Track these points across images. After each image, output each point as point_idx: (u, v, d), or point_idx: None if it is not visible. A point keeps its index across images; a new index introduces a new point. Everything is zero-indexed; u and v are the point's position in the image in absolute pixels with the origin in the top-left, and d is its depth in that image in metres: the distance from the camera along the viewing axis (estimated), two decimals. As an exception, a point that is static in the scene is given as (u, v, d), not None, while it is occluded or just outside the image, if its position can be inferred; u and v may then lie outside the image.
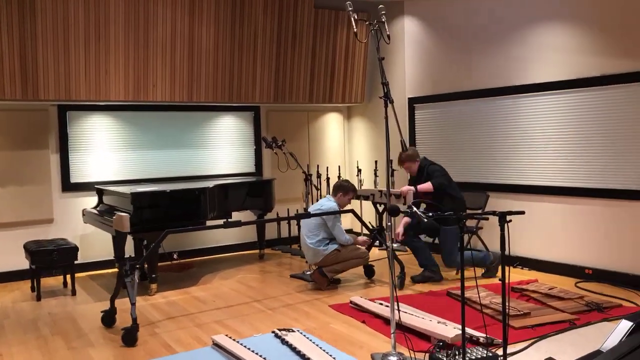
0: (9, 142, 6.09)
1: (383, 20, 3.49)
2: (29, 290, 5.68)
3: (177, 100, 6.55)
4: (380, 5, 3.56)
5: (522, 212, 2.78)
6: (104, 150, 6.65)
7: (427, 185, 5.39)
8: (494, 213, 2.73)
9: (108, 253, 6.50)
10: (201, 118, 7.26)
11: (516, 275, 5.71)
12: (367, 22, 3.59)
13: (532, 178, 5.92)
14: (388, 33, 3.48)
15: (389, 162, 3.51)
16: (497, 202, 6.12)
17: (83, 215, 6.26)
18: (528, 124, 5.92)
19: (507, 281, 2.83)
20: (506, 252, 2.79)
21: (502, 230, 2.62)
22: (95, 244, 6.53)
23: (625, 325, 3.17)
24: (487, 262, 5.57)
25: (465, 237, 6.16)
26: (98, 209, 6.11)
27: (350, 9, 3.50)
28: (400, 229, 5.53)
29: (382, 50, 3.49)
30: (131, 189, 5.64)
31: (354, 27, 3.44)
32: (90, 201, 6.43)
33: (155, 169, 6.97)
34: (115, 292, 4.44)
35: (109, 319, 4.47)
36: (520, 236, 5.96)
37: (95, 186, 6.36)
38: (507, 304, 2.75)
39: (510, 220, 2.67)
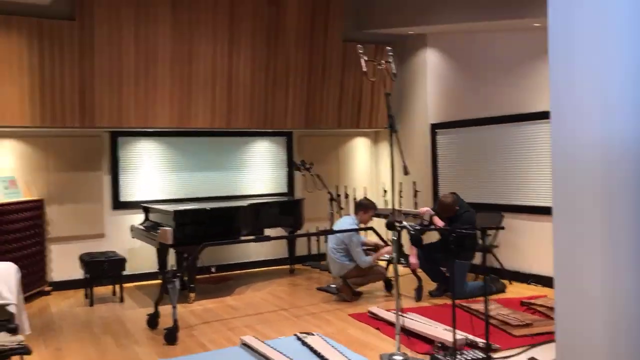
0: (67, 165, 6.83)
1: (390, 61, 4.00)
2: (83, 298, 6.34)
3: (217, 127, 7.20)
4: (388, 47, 4.07)
5: (502, 228, 3.21)
6: (150, 171, 7.35)
7: (441, 223, 5.74)
8: (475, 228, 3.16)
9: (153, 266, 7.15)
10: (238, 143, 7.90)
11: (528, 291, 6.05)
12: (375, 63, 4.11)
13: (546, 199, 6.28)
14: (394, 72, 4.00)
15: (393, 183, 3.99)
16: (512, 222, 6.48)
17: (131, 230, 6.93)
18: (542, 148, 6.30)
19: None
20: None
21: (484, 241, 3.06)
22: (142, 257, 7.19)
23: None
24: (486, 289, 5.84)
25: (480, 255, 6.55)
26: (144, 225, 6.77)
27: (360, 51, 4.04)
28: (413, 260, 5.94)
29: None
30: (174, 207, 6.28)
31: (363, 67, 3.96)
32: (137, 218, 7.11)
33: (196, 189, 7.62)
34: (159, 297, 5.03)
35: (153, 321, 5.05)
36: (535, 254, 6.31)
37: (142, 204, 7.04)
38: (487, 305, 3.16)
39: (490, 235, 3.09)
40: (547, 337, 4.41)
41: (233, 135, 7.81)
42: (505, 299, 5.64)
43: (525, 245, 6.48)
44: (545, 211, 6.26)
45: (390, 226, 3.52)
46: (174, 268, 6.45)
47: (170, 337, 4.59)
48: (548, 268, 6.24)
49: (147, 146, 7.35)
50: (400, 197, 8.02)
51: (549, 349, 4.15)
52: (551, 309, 5.18)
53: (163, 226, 6.16)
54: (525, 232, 6.46)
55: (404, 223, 3.32)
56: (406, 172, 3.73)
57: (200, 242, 5.52)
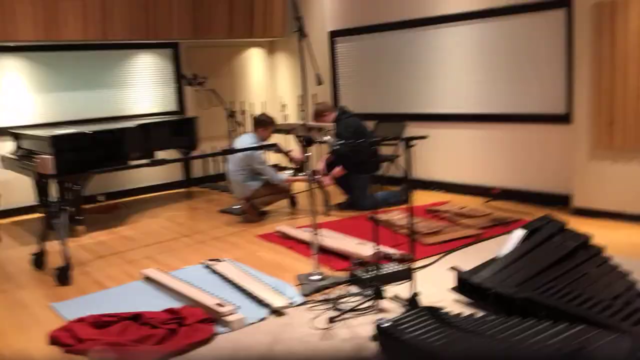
0: None
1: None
2: (-50, 240, 5.57)
3: (91, 39, 6.34)
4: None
5: (425, 137, 3.02)
6: (18, 93, 6.41)
7: (337, 170, 5.69)
8: (398, 138, 2.94)
9: (30, 198, 6.40)
10: (118, 57, 7.07)
11: (432, 198, 6.11)
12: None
13: (446, 106, 6.25)
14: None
15: (307, 95, 3.65)
16: (415, 131, 6.42)
17: (2, 161, 6.10)
18: (442, 54, 6.18)
19: (411, 201, 3.09)
20: (414, 175, 3.03)
21: (407, 153, 2.85)
22: (16, 189, 6.39)
23: (518, 234, 3.57)
24: (394, 199, 5.86)
25: (385, 164, 6.49)
26: (17, 153, 5.96)
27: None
28: (321, 165, 5.78)
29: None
30: (50, 132, 5.53)
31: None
32: (6, 146, 6.25)
33: (73, 111, 6.79)
34: (44, 234, 4.45)
35: (39, 261, 4.49)
36: (436, 161, 6.35)
37: (10, 130, 6.17)
38: (412, 221, 3.02)
39: (414, 145, 2.89)
40: (456, 244, 4.44)
41: (111, 48, 6.97)
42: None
43: (428, 153, 6.48)
44: (446, 118, 6.26)
45: (308, 141, 3.20)
46: (57, 200, 5.80)
47: (63, 277, 4.09)
48: (449, 174, 6.33)
49: (11, 64, 6.36)
50: (302, 110, 7.70)
51: (462, 256, 4.18)
52: (456, 214, 5.26)
53: (39, 154, 5.44)
54: (425, 139, 6.44)
55: (326, 138, 3.02)
56: (319, 82, 3.39)
57: (85, 170, 4.95)
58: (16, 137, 6.10)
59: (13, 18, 5.77)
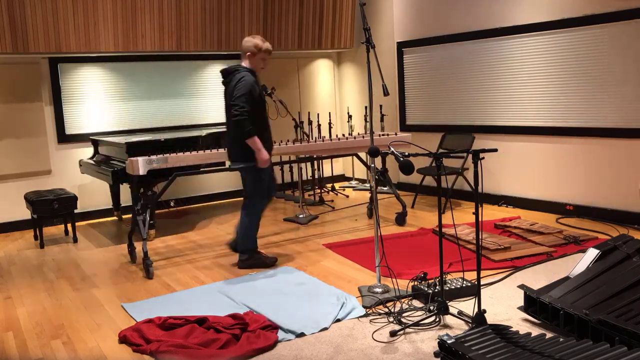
0: (3, 96, 6.17)
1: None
2: (32, 239, 5.90)
3: (167, 50, 6.60)
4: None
5: (495, 150, 2.94)
6: (98, 101, 6.75)
7: None
8: (466, 151, 2.88)
9: (105, 202, 6.71)
10: (191, 67, 7.32)
11: (501, 213, 5.94)
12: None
13: (516, 119, 6.07)
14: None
15: (372, 106, 3.64)
16: (483, 144, 6.29)
17: (80, 165, 6.42)
18: (512, 66, 6.02)
19: (480, 217, 3.02)
20: (483, 190, 2.96)
21: (476, 166, 2.79)
22: (93, 193, 6.72)
23: (592, 253, 3.41)
24: None
25: (452, 178, 6.38)
26: (94, 159, 6.27)
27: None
28: None
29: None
30: (126, 139, 5.78)
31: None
32: (86, 152, 6.58)
33: (148, 119, 7.08)
34: (131, 232, 4.80)
35: (131, 256, 4.85)
36: (506, 175, 6.17)
37: (90, 137, 6.50)
38: (480, 237, 2.95)
39: (483, 158, 2.82)
40: (527, 261, 4.29)
41: (185, 59, 7.22)
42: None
43: (497, 167, 6.32)
44: (515, 131, 6.08)
45: (373, 153, 3.18)
46: (142, 200, 6.04)
47: (146, 271, 4.32)
48: (519, 189, 6.14)
49: (92, 73, 6.71)
50: (366, 121, 7.70)
51: (531, 274, 4.04)
52: (526, 230, 5.08)
53: (115, 160, 5.70)
54: (495, 153, 6.28)
55: (392, 149, 2.99)
56: (386, 93, 3.38)
57: (157, 175, 5.14)
58: (95, 143, 6.42)
59: (95, 30, 6.09)
